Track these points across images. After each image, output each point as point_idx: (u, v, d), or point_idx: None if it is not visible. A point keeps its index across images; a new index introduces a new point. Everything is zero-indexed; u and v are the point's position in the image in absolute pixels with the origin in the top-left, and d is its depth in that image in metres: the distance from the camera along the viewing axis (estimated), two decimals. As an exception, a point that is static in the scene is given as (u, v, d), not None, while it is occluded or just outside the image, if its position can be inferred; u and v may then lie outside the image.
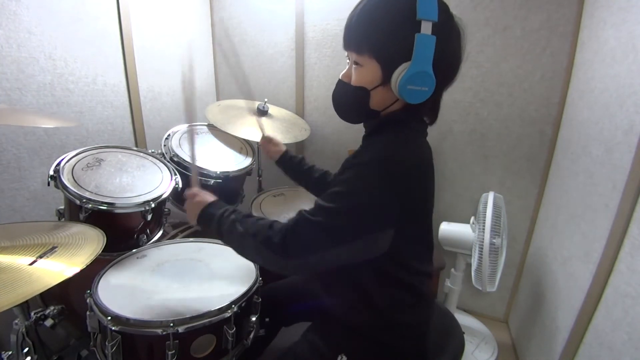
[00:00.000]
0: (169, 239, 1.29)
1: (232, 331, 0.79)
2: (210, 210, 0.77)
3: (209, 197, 0.80)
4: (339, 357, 0.76)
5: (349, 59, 0.73)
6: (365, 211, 0.62)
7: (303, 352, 0.81)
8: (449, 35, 0.64)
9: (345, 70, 0.74)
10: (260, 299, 0.89)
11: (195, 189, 0.83)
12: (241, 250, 0.73)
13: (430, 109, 0.74)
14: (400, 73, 0.63)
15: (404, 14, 0.61)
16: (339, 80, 0.75)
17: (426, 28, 0.60)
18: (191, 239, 1.10)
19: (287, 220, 0.67)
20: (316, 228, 0.63)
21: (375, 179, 0.63)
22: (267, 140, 1.23)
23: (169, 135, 1.43)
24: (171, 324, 0.72)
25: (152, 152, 1.26)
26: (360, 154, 0.71)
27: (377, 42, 0.65)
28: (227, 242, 0.75)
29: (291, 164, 1.17)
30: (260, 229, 0.67)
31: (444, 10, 0.63)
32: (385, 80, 0.67)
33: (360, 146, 0.78)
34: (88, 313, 0.78)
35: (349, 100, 0.74)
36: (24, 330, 0.83)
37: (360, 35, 0.68)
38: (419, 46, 0.60)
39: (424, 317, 0.80)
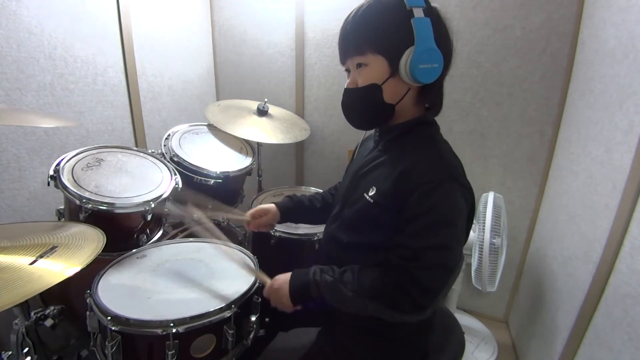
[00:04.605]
0: (169, 239, 1.29)
1: (232, 331, 0.79)
2: (299, 283, 0.76)
3: (285, 276, 0.79)
4: None
5: (348, 71, 0.78)
6: (462, 226, 0.68)
7: None
8: (437, 16, 0.70)
9: (348, 80, 0.77)
10: (260, 299, 0.89)
11: (268, 282, 0.82)
12: (360, 312, 0.72)
13: (437, 95, 0.76)
14: (407, 58, 0.66)
15: (396, 7, 0.66)
16: (346, 89, 0.77)
17: (418, 13, 0.65)
18: (191, 239, 1.10)
19: (397, 266, 0.66)
20: (438, 272, 0.65)
21: (456, 195, 0.66)
22: (255, 216, 1.01)
23: (169, 135, 1.43)
24: (171, 324, 0.72)
25: (152, 152, 1.26)
26: (413, 167, 0.68)
27: (378, 36, 0.69)
28: (337, 305, 0.73)
29: (294, 211, 1.03)
30: (378, 291, 0.67)
31: None
32: (394, 70, 0.69)
33: (384, 151, 0.78)
34: (88, 313, 0.78)
35: (363, 101, 0.75)
36: (24, 330, 0.83)
37: (359, 37, 0.71)
38: (418, 28, 0.65)
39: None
